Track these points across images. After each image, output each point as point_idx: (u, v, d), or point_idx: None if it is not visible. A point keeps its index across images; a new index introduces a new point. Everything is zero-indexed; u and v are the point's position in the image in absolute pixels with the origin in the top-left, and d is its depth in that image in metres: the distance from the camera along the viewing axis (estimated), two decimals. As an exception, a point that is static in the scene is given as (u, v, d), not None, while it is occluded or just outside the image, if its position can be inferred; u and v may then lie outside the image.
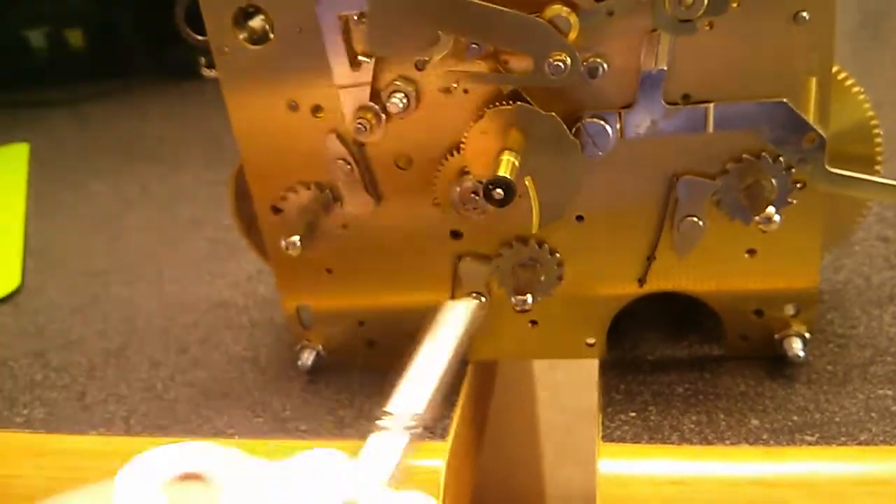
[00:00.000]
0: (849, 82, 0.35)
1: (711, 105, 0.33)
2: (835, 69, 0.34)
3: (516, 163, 0.32)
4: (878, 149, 0.36)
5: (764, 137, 0.34)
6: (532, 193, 0.34)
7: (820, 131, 0.33)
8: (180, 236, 0.61)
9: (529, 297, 0.36)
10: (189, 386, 0.44)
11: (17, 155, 0.82)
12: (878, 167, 0.36)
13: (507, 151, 0.32)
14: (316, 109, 0.36)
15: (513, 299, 0.36)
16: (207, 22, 0.35)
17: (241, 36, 0.36)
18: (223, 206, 0.43)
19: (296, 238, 0.36)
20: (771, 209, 0.32)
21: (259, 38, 0.36)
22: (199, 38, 0.37)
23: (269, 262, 0.41)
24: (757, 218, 0.32)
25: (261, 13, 0.35)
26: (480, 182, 0.35)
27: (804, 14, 0.31)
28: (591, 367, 0.41)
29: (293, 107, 0.36)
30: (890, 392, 0.36)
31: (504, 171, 0.31)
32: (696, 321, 0.42)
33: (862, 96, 0.36)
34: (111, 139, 0.91)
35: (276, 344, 0.46)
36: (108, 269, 0.58)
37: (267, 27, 0.35)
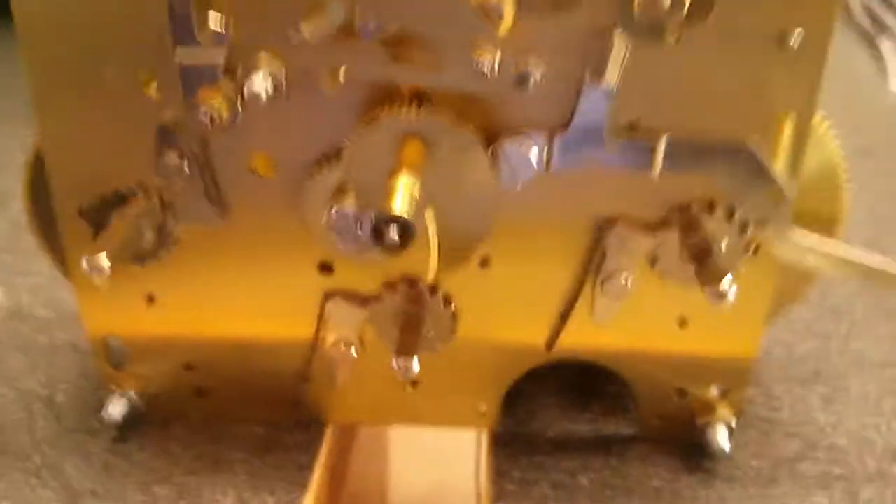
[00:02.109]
0: (822, 125, 0.29)
1: (663, 139, 0.26)
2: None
3: (416, 193, 0.24)
4: (842, 206, 0.30)
5: (719, 186, 0.27)
6: (432, 230, 0.26)
7: (788, 187, 0.27)
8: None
9: (416, 363, 0.27)
10: (-41, 430, 0.33)
11: None
12: (839, 228, 0.30)
13: (404, 173, 0.24)
14: (144, 85, 0.26)
15: (394, 363, 0.27)
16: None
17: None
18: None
19: (101, 258, 0.26)
20: (726, 282, 0.25)
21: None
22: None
23: (69, 278, 0.31)
24: (707, 290, 0.26)
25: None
26: (364, 211, 0.26)
27: (793, 37, 0.24)
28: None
29: (114, 80, 0.26)
30: (825, 500, 0.30)
31: (402, 207, 0.23)
32: (599, 385, 0.35)
33: (833, 142, 0.30)
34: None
35: (79, 380, 0.36)
36: None
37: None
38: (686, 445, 0.33)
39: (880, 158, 0.60)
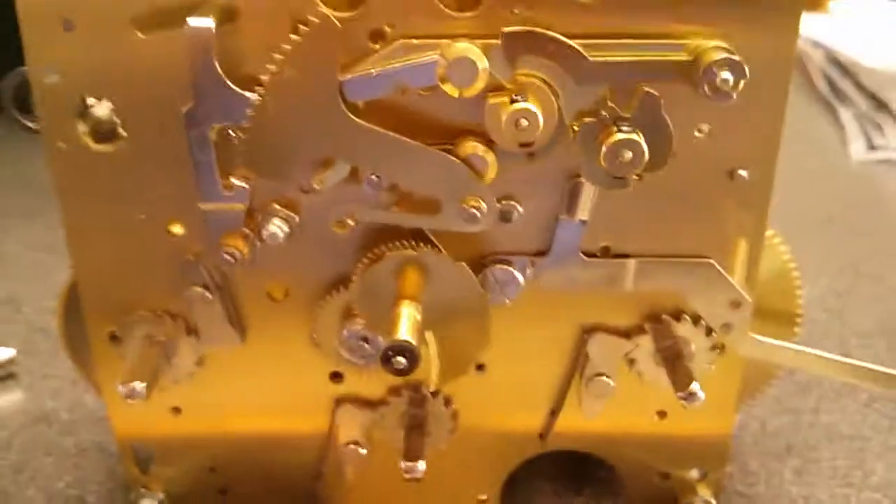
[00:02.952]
0: (773, 239, 0.33)
1: (633, 261, 0.30)
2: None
3: (418, 318, 0.27)
4: (797, 306, 0.34)
5: (686, 298, 0.30)
6: (433, 349, 0.29)
7: (746, 296, 0.30)
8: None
9: (422, 465, 0.30)
10: (-4, 537, 0.36)
11: None
12: (797, 328, 0.34)
13: (406, 302, 0.27)
14: (171, 226, 0.30)
15: (402, 465, 0.31)
16: (42, 110, 0.29)
17: (83, 129, 0.29)
18: (49, 281, 0.34)
19: (138, 385, 0.29)
20: (695, 386, 0.29)
21: (106, 132, 0.29)
22: (31, 125, 0.30)
23: (101, 394, 0.34)
24: (679, 394, 0.29)
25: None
26: (371, 331, 0.30)
27: (742, 172, 0.28)
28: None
29: (144, 221, 0.30)
30: (799, 574, 0.33)
31: (407, 334, 0.26)
32: (590, 471, 0.38)
33: (782, 248, 0.33)
34: None
35: (108, 480, 0.38)
36: None
37: (116, 120, 0.29)
38: (671, 524, 0.36)
39: (842, 226, 0.63)
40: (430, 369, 0.30)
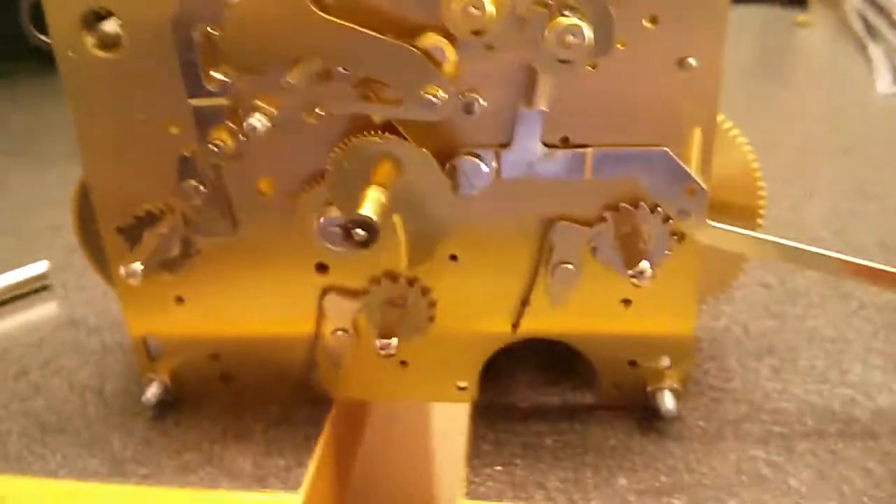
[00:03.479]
0: (733, 132, 0.34)
1: (590, 150, 0.31)
2: (719, 118, 0.33)
3: (383, 200, 0.29)
4: (760, 201, 0.35)
5: (643, 186, 0.32)
6: (400, 232, 0.31)
7: (701, 183, 0.32)
8: (36, 244, 0.56)
9: (395, 341, 0.33)
10: (24, 416, 0.39)
11: None
12: (759, 220, 0.35)
13: (374, 186, 0.30)
14: (168, 126, 0.33)
15: (377, 342, 0.33)
16: (51, 23, 0.31)
17: (90, 40, 0.32)
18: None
19: (136, 265, 0.32)
20: (644, 264, 0.31)
21: (111, 43, 0.32)
22: (45, 39, 0.33)
23: (113, 286, 0.37)
24: (630, 272, 0.31)
25: (115, 17, 0.32)
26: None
27: (691, 60, 0.30)
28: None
29: (143, 122, 0.33)
30: (762, 454, 0.35)
31: (369, 210, 0.28)
32: (571, 364, 0.40)
33: (746, 147, 0.35)
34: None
35: (125, 373, 0.42)
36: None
37: (121, 33, 0.32)
38: (642, 411, 0.37)
39: (858, 156, 0.64)
40: (400, 253, 0.32)
